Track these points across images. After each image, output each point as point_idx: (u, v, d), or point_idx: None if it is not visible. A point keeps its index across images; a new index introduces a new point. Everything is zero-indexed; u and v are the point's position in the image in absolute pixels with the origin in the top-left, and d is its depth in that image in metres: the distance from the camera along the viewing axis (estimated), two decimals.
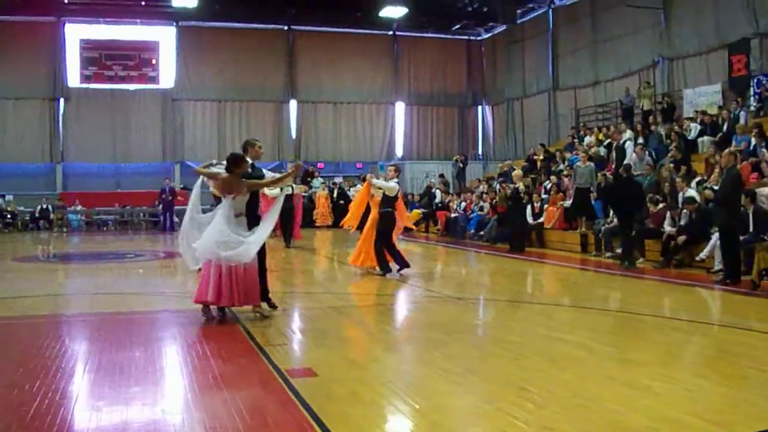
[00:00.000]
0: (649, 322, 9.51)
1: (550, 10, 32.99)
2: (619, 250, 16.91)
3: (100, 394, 6.25)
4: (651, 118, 24.27)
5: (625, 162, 19.95)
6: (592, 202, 20.00)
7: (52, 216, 31.65)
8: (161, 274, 16.44)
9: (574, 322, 9.85)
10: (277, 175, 10.10)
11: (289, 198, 22.74)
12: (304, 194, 27.15)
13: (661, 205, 16.91)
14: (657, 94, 25.89)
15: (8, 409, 5.79)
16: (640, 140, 22.39)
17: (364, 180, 15.45)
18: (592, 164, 20.94)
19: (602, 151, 23.72)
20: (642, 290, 13.15)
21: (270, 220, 9.62)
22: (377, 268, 14.36)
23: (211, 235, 9.08)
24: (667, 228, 15.71)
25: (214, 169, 9.51)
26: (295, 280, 15.21)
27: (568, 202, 20.99)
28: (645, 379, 6.49)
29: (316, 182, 32.93)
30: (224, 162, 9.36)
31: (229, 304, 9.37)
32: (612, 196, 17.27)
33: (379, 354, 7.82)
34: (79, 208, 32.70)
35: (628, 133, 23.16)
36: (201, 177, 9.64)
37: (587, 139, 26.08)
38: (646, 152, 20.66)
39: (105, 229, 32.30)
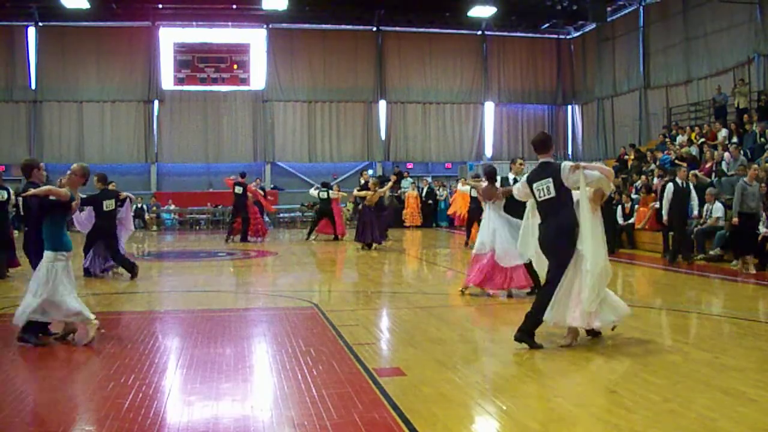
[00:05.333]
0: (745, 327, 9.23)
1: (641, 7, 32.34)
2: (711, 252, 16.77)
3: (191, 389, 6.38)
4: (746, 117, 23.53)
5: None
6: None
7: (146, 215, 32.43)
8: (252, 272, 16.67)
9: (667, 326, 9.64)
10: None
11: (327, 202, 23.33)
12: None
13: None
14: (753, 92, 25.07)
15: (105, 401, 5.96)
16: (735, 139, 21.79)
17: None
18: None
19: (694, 150, 23.13)
20: (737, 293, 12.79)
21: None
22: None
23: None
24: (763, 229, 15.21)
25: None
26: (384, 280, 15.23)
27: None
28: (740, 386, 6.30)
29: (406, 182, 33.06)
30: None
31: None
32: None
33: (467, 355, 7.77)
34: (172, 207, 33.53)
35: (724, 132, 22.60)
36: None
37: (679, 139, 25.49)
38: (741, 152, 20.08)
39: (197, 228, 33.01)
